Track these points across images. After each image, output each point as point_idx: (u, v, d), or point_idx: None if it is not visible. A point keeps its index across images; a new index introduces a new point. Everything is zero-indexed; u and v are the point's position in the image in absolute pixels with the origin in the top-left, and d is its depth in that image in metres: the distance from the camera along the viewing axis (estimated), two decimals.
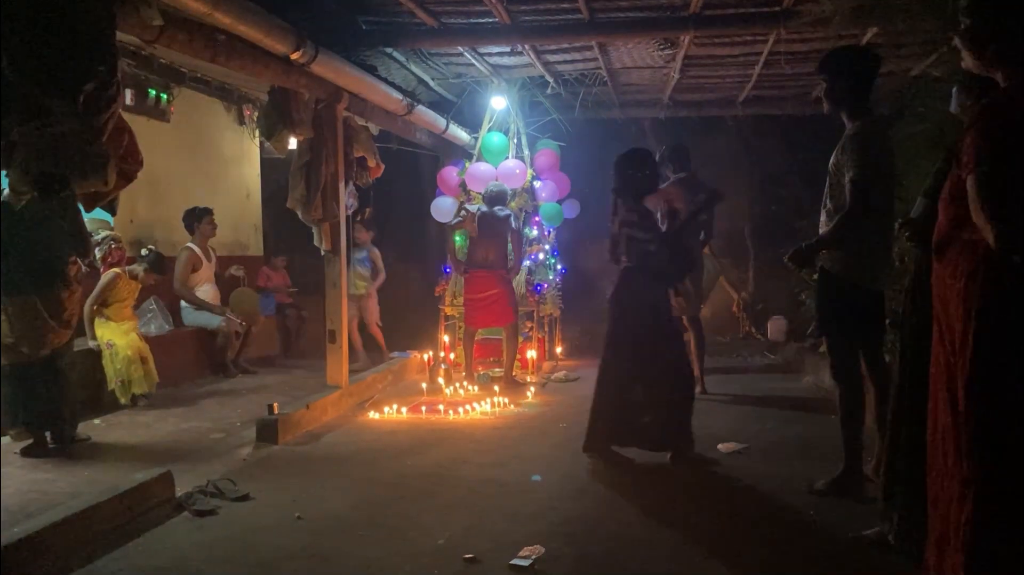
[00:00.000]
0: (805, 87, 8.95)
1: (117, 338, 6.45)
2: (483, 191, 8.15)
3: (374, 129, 8.03)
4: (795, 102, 9.55)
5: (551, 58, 7.84)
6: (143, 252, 6.84)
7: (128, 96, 7.28)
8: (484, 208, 7.85)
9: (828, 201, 4.24)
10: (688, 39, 6.89)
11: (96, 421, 6.07)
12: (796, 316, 9.49)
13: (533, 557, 3.50)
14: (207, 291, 8.08)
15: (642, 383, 5.06)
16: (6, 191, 4.30)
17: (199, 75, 8.20)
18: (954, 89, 3.64)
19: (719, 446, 5.40)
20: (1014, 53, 2.37)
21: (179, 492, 4.36)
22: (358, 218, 7.86)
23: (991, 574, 2.36)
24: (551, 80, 8.46)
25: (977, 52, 2.46)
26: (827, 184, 4.24)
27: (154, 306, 7.53)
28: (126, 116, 4.22)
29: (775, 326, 10.11)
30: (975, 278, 2.35)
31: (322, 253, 6.82)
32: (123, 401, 6.43)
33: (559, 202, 9.12)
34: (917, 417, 2.97)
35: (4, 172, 3.53)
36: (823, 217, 4.28)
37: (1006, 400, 2.32)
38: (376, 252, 9.07)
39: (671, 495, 4.46)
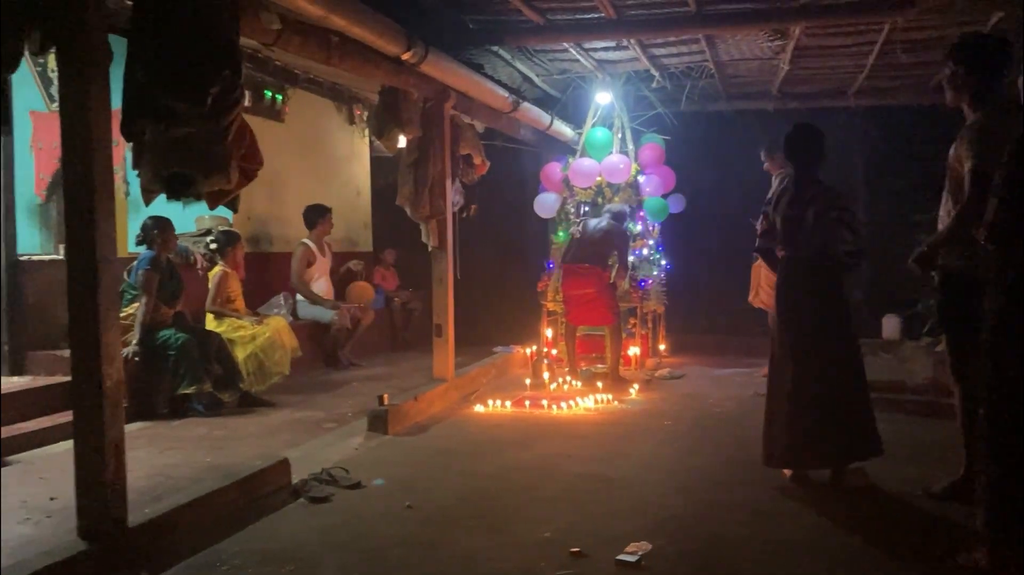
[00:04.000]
0: (922, 76, 8.62)
1: (238, 332, 6.80)
2: (608, 206, 8.19)
3: (479, 127, 8.13)
4: (911, 92, 9.21)
5: (657, 51, 7.78)
6: (209, 243, 7.12)
7: (246, 98, 7.57)
8: (589, 213, 7.91)
9: (947, 195, 4.09)
10: (799, 30, 6.73)
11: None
12: (912, 313, 9.16)
13: (640, 553, 3.50)
14: (321, 286, 8.36)
15: (821, 388, 4.42)
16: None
17: (312, 76, 8.47)
18: None
19: None
20: None
21: (295, 479, 4.53)
22: (464, 215, 7.98)
23: None
24: (656, 74, 8.38)
25: None
26: (946, 178, 4.08)
27: (282, 301, 7.89)
28: (245, 117, 4.40)
29: (889, 324, 9.77)
30: None
31: (429, 249, 6.95)
32: (256, 388, 6.73)
33: (664, 196, 9.04)
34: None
35: (136, 172, 3.72)
36: (942, 212, 4.13)
37: None
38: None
39: (775, 495, 4.38)
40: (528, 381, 7.54)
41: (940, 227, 4.10)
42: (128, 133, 3.54)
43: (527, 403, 6.76)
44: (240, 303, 7.08)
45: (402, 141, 6.71)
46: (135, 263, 6.28)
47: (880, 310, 10.02)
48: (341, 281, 8.81)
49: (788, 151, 4.73)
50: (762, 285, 6.93)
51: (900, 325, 9.64)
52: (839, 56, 7.88)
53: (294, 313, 8.08)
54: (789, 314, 4.56)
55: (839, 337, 4.50)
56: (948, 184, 4.06)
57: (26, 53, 3.41)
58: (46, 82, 7.34)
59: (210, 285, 6.89)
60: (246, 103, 7.47)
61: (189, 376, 6.15)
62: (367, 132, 9.61)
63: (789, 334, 4.54)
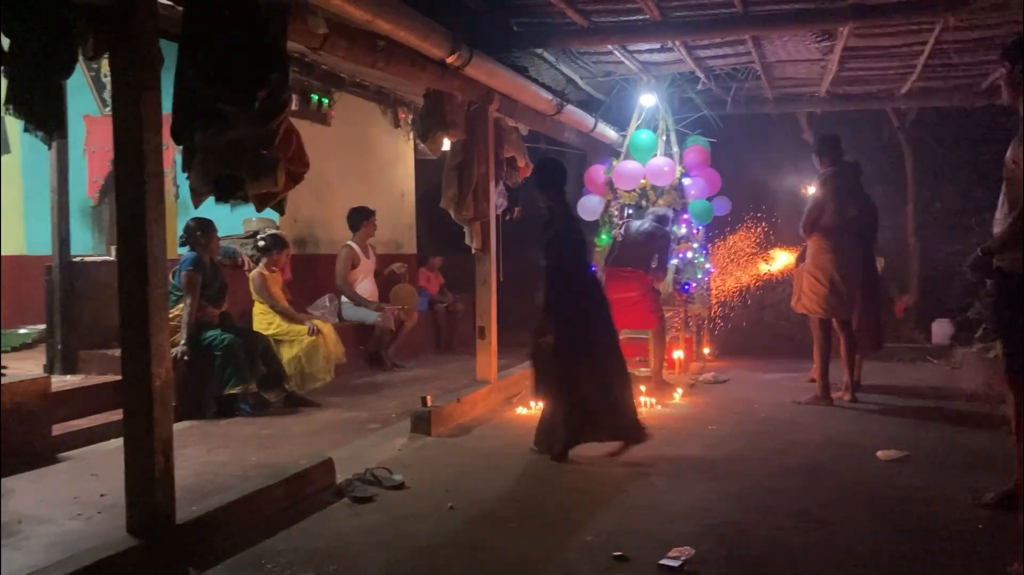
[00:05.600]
0: (975, 77, 8.45)
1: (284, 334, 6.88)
2: (652, 209, 8.18)
3: (523, 129, 8.13)
4: (964, 93, 9.03)
5: (702, 53, 7.72)
6: (257, 242, 7.18)
7: (293, 101, 7.66)
8: (632, 216, 7.88)
9: (1003, 197, 4.00)
10: (847, 30, 6.64)
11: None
12: (963, 318, 8.98)
13: (683, 558, 3.47)
14: (366, 287, 8.43)
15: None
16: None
17: (357, 80, 8.54)
18: None
19: (878, 453, 5.18)
20: None
21: (339, 479, 4.56)
22: (507, 218, 8.00)
23: None
24: (701, 75, 8.33)
25: None
26: (1003, 180, 3.99)
27: (327, 302, 7.96)
28: (292, 120, 4.45)
29: (939, 329, 9.59)
30: None
31: (473, 252, 6.97)
32: (298, 392, 6.80)
33: (709, 199, 8.96)
34: None
35: (185, 175, 3.78)
36: (998, 215, 4.03)
37: None
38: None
39: (825, 502, 4.31)
40: None
41: (996, 230, 4.01)
42: (178, 136, 3.60)
43: None
44: (284, 305, 7.15)
45: (446, 144, 6.74)
46: (178, 264, 6.39)
47: (930, 315, 9.84)
48: (385, 283, 8.87)
49: (537, 182, 5.50)
50: (804, 290, 6.84)
51: (951, 330, 9.45)
52: (889, 57, 7.76)
53: (339, 315, 8.16)
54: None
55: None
56: (1004, 187, 3.97)
57: (80, 58, 3.48)
58: (99, 87, 7.52)
59: (253, 287, 6.96)
60: (293, 107, 7.59)
61: (235, 376, 6.25)
62: (412, 135, 9.68)
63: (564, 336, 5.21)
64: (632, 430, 5.27)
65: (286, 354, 6.78)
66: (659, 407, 6.79)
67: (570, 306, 5.28)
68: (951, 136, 9.76)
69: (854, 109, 9.66)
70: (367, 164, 9.36)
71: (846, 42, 7.03)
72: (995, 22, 6.30)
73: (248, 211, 4.72)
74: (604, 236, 8.80)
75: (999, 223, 3.99)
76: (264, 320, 6.96)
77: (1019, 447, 3.97)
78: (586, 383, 5.18)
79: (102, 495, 4.33)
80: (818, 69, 8.24)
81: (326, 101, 8.20)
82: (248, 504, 3.96)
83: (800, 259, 7.03)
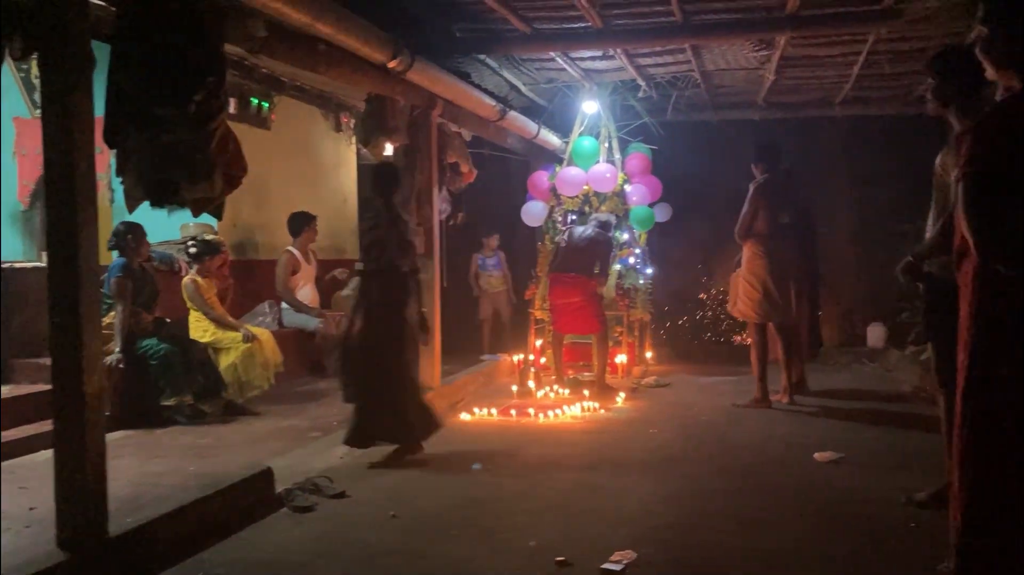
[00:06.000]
0: (907, 86, 8.69)
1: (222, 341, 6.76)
2: (595, 215, 8.25)
3: (467, 135, 8.13)
4: (896, 102, 9.28)
5: (643, 61, 7.81)
6: (189, 248, 7.07)
7: (232, 105, 7.53)
8: (576, 222, 7.93)
9: (934, 204, 4.11)
10: (784, 40, 6.77)
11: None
12: (896, 322, 9.20)
13: (625, 562, 3.49)
14: (307, 293, 8.31)
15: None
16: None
17: (298, 84, 8.45)
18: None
19: (815, 455, 5.28)
20: None
21: (279, 488, 4.49)
22: (450, 223, 7.98)
23: None
24: (643, 83, 8.42)
25: (994, 61, 2.36)
26: (933, 186, 4.10)
27: (267, 308, 7.83)
28: (230, 124, 4.38)
29: (874, 333, 9.82)
30: (974, 289, 2.27)
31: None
32: (237, 400, 6.67)
33: (650, 206, 9.06)
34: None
35: (119, 180, 3.70)
36: (929, 220, 4.15)
37: (997, 412, 2.22)
38: (503, 255, 9.83)
39: (764, 503, 4.38)
40: (515, 389, 7.53)
41: (927, 236, 4.12)
42: (111, 140, 3.52)
43: (514, 411, 6.75)
44: (219, 312, 7.01)
45: (389, 149, 6.71)
46: (108, 271, 6.23)
47: (865, 319, 10.08)
48: (327, 289, 8.76)
49: (370, 187, 5.53)
50: (740, 295, 6.96)
51: (885, 334, 9.68)
52: (824, 66, 7.93)
53: (280, 321, 8.03)
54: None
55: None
56: (934, 193, 4.09)
57: (8, 59, 3.38)
58: (29, 88, 7.30)
59: (185, 294, 6.82)
60: (232, 110, 7.48)
61: (171, 388, 6.12)
62: (354, 140, 9.59)
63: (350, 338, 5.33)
64: (406, 434, 5.32)
65: (223, 362, 6.67)
66: (602, 411, 6.83)
67: (377, 306, 5.30)
68: (884, 144, 9.99)
69: (791, 117, 9.85)
70: (308, 169, 9.26)
71: (783, 51, 7.17)
72: (925, 34, 6.48)
73: (186, 216, 4.63)
74: (548, 242, 8.84)
75: (930, 230, 4.10)
76: (200, 327, 6.82)
77: (949, 448, 4.08)
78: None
79: (31, 509, 4.20)
80: (756, 78, 8.39)
81: (266, 105, 8.09)
82: (184, 515, 3.86)
83: (736, 265, 7.15)
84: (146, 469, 5.01)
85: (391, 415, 5.26)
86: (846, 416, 6.58)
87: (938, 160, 4.05)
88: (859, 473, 4.94)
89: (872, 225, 10.04)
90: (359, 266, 5.41)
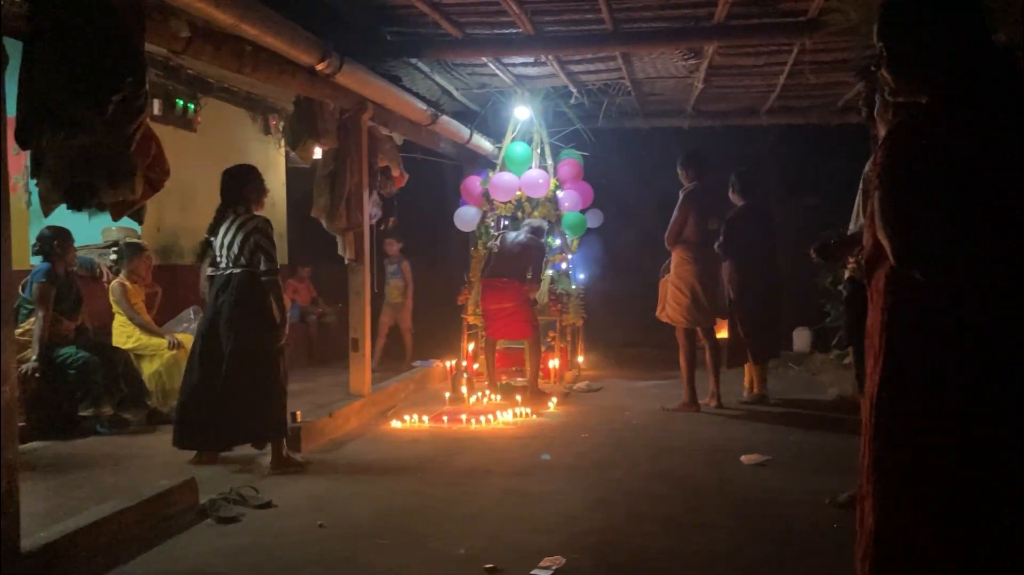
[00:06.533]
0: (831, 96, 8.90)
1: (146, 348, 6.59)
2: (527, 220, 8.24)
3: (398, 139, 8.07)
4: (821, 111, 9.49)
5: (575, 68, 7.85)
6: (112, 254, 6.91)
7: (156, 106, 7.36)
8: (508, 227, 7.93)
9: (858, 209, 4.22)
10: (712, 49, 6.88)
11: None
12: (821, 327, 9.41)
13: (554, 567, 3.50)
14: None
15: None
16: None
17: (226, 85, 8.29)
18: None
19: (742, 458, 5.37)
20: (931, 73, 2.33)
21: (203, 499, 4.38)
22: (381, 227, 7.91)
23: None
24: (575, 90, 8.46)
25: (895, 75, 2.43)
26: (859, 192, 4.21)
27: (192, 314, 7.63)
28: (154, 126, 4.27)
29: (800, 337, 10.03)
30: (886, 297, 2.33)
31: (346, 262, 6.85)
32: (161, 409, 6.49)
33: (582, 211, 9.12)
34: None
35: (35, 182, 3.57)
36: (852, 227, 4.26)
37: (906, 424, 2.28)
38: (406, 264, 9.26)
39: (692, 506, 4.43)
40: (447, 395, 7.49)
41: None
42: (24, 141, 3.40)
43: (446, 418, 6.71)
44: (144, 318, 6.84)
45: (318, 152, 6.62)
46: (30, 275, 6.03)
47: (791, 323, 10.28)
48: None
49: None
50: (668, 300, 7.06)
51: (810, 338, 9.89)
52: (751, 76, 8.08)
53: None
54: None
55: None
56: (860, 198, 4.20)
57: None
58: None
59: (113, 298, 6.63)
60: (156, 112, 7.32)
61: (89, 398, 5.93)
62: (283, 143, 9.45)
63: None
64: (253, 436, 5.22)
65: (147, 369, 6.49)
66: (534, 416, 6.84)
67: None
68: (810, 153, 10.22)
69: (720, 125, 10.01)
70: None
71: (711, 60, 7.28)
72: (847, 45, 6.64)
73: (107, 220, 4.50)
74: (481, 247, 8.82)
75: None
76: (123, 334, 6.64)
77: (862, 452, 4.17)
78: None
79: None
80: (685, 86, 8.50)
81: (192, 107, 7.92)
82: (102, 528, 3.74)
83: (664, 271, 7.24)
84: (62, 481, 4.84)
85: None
86: (772, 419, 6.71)
87: (867, 167, 4.16)
88: (784, 475, 5.03)
89: (799, 231, 10.26)
90: (213, 271, 5.28)
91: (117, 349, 6.41)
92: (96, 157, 3.48)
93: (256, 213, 5.28)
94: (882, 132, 4.15)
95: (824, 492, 4.48)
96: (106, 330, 6.73)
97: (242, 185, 5.29)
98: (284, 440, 5.20)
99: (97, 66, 3.28)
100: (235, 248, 5.11)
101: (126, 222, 4.76)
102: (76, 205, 3.68)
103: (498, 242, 7.88)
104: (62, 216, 4.05)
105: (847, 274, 4.23)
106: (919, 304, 2.24)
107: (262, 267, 5.10)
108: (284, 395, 5.21)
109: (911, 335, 2.27)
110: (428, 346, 9.50)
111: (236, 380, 5.04)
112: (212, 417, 5.07)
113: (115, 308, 6.65)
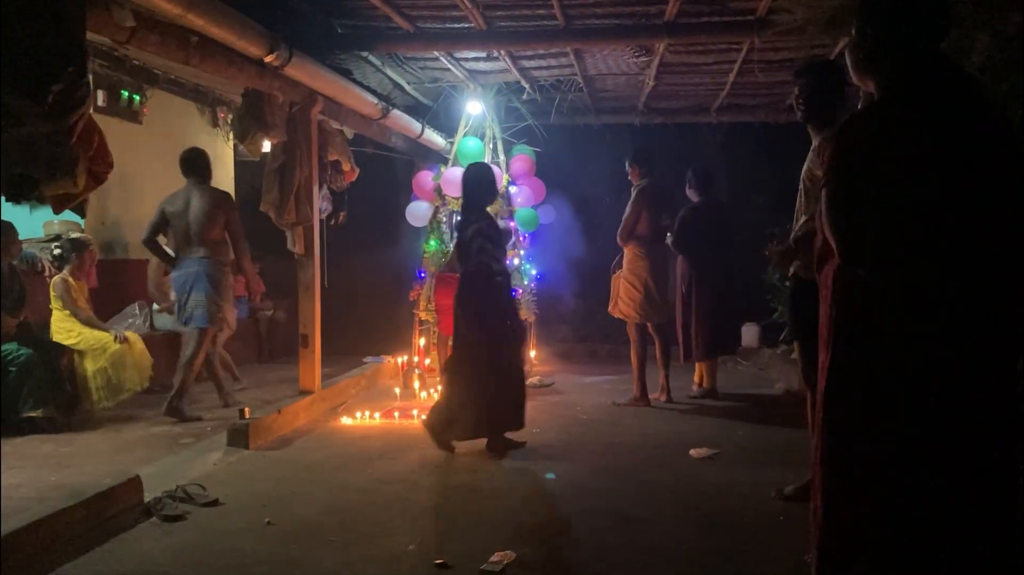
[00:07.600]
0: (779, 95, 9.02)
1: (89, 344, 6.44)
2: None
3: (349, 133, 8.00)
4: (769, 110, 9.61)
5: (527, 64, 7.85)
6: (54, 249, 6.78)
7: (100, 97, 7.21)
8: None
9: (802, 208, 4.28)
10: (663, 47, 6.92)
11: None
12: (769, 322, 9.54)
13: (503, 562, 3.50)
14: None
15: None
16: None
17: (173, 77, 8.15)
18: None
19: (691, 451, 5.43)
20: (886, 65, 2.39)
21: (148, 497, 4.31)
22: (332, 223, 7.84)
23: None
24: (527, 86, 8.46)
25: (854, 63, 2.49)
26: (800, 191, 4.28)
27: (137, 310, 7.49)
28: (98, 118, 4.18)
29: (748, 333, 10.16)
30: (834, 291, 2.38)
31: (296, 257, 6.78)
32: (103, 404, 6.37)
33: (534, 207, 9.12)
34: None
35: None
36: (795, 226, 4.32)
37: (854, 417, 2.34)
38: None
39: (642, 500, 4.47)
40: (398, 391, 7.46)
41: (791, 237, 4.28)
42: None
43: (396, 414, 6.68)
44: (88, 314, 6.70)
45: (267, 146, 6.53)
46: None
47: (739, 319, 10.39)
48: None
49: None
50: (621, 296, 7.11)
51: (758, 333, 10.02)
52: (702, 73, 8.15)
53: (151, 323, 7.69)
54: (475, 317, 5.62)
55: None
56: (802, 198, 4.26)
57: None
58: None
59: (55, 294, 6.48)
60: (100, 103, 7.17)
61: (33, 399, 5.79)
62: (231, 136, 9.31)
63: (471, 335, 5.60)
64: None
65: (91, 366, 6.35)
66: None
67: None
68: (759, 150, 10.35)
69: (671, 122, 10.09)
70: None
71: (662, 58, 7.33)
72: (794, 44, 6.73)
73: (48, 213, 4.41)
74: (433, 243, 8.78)
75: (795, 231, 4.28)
76: (64, 329, 6.48)
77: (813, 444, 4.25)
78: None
79: None
80: (636, 83, 8.55)
81: (138, 98, 7.77)
82: (43, 528, 3.66)
83: (616, 267, 7.29)
84: (3, 481, 4.71)
85: None
86: (721, 414, 6.79)
87: (805, 167, 4.23)
88: (732, 468, 5.10)
89: (748, 228, 10.39)
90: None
91: (59, 345, 6.26)
92: (36, 149, 3.39)
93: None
94: (814, 135, 4.25)
95: (771, 484, 4.55)
96: (48, 326, 6.58)
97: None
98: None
99: (35, 55, 3.19)
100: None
101: (68, 215, 4.66)
102: (15, 198, 3.59)
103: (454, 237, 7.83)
104: (2, 209, 3.94)
105: (791, 270, 4.29)
106: (865, 299, 2.28)
107: None
108: None
109: (857, 328, 2.31)
110: (378, 342, 9.44)
111: None
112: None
113: (55, 304, 6.49)
